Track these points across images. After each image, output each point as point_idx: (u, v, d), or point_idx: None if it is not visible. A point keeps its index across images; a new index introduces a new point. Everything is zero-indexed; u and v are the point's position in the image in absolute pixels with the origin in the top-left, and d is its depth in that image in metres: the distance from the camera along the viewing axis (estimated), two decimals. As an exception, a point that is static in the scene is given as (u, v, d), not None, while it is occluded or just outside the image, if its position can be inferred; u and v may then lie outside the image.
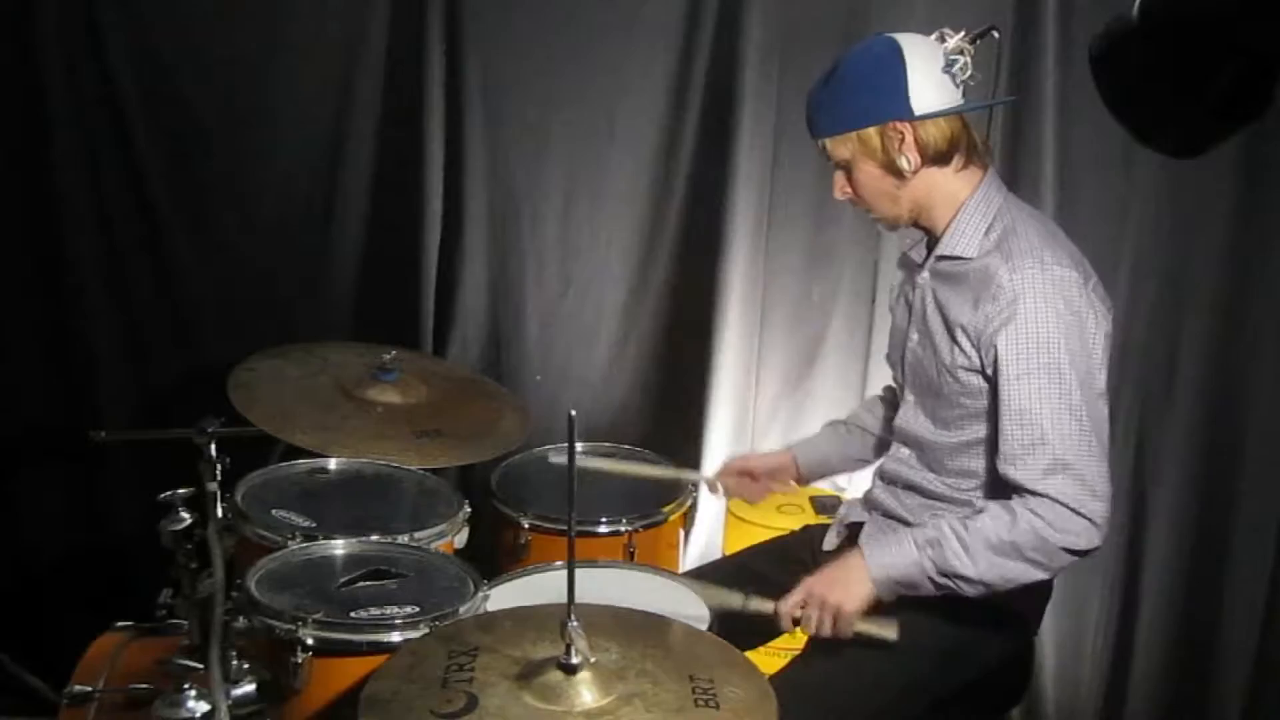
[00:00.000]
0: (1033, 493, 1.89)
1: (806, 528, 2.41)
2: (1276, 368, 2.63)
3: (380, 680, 1.62)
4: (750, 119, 2.86)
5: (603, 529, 2.43)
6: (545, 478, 2.61)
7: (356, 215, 3.03)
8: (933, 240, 2.08)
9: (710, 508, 3.01)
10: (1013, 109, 2.71)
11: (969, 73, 1.98)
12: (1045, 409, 1.89)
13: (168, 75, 2.96)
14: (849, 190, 2.07)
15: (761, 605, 2.01)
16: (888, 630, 1.94)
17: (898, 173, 2.00)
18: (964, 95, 2.00)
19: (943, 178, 2.02)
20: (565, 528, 1.57)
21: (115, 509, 3.12)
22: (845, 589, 1.95)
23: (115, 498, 3.12)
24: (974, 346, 1.96)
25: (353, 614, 1.89)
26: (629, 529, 2.43)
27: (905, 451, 2.15)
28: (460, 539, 2.31)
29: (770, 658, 2.32)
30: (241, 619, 1.89)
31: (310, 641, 1.83)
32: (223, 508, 2.05)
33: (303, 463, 2.42)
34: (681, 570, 2.54)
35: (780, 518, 2.79)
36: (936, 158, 2.00)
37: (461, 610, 1.92)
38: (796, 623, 1.99)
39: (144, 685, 2.03)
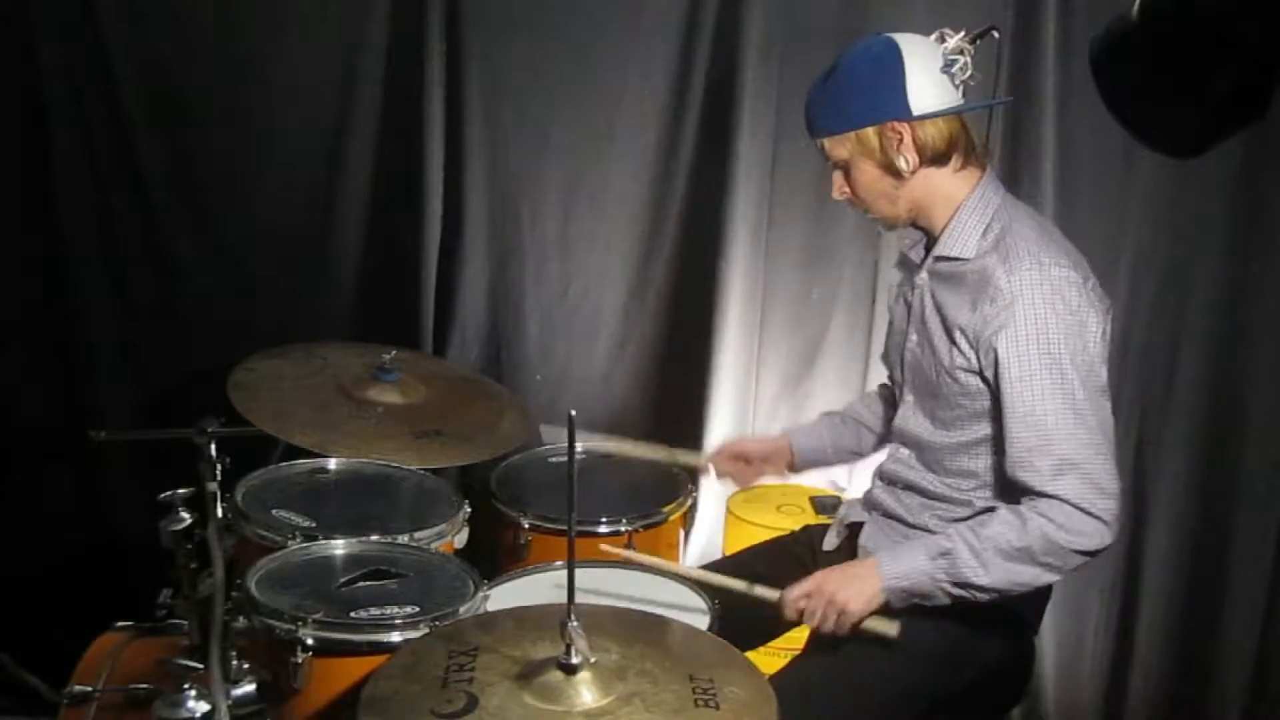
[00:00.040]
0: (1042, 494, 1.89)
1: (806, 528, 2.41)
2: (1276, 368, 2.63)
3: (380, 680, 1.62)
4: (750, 119, 2.86)
5: (603, 529, 2.42)
6: (545, 478, 2.61)
7: (356, 215, 3.03)
8: (931, 240, 2.08)
9: (710, 508, 3.01)
10: (1013, 109, 2.71)
11: (969, 73, 1.98)
12: (1050, 410, 1.89)
13: (168, 75, 2.96)
14: (847, 190, 2.07)
15: (766, 593, 2.02)
16: (889, 627, 1.95)
17: (896, 173, 2.00)
18: (963, 95, 2.00)
19: (941, 178, 2.02)
20: (565, 528, 1.57)
21: (115, 509, 3.13)
22: (853, 589, 1.96)
23: (115, 498, 3.12)
24: (972, 348, 1.96)
25: (353, 614, 1.90)
26: (629, 529, 2.43)
27: (905, 452, 2.15)
28: (460, 539, 2.31)
29: (770, 658, 2.32)
30: (241, 619, 1.90)
31: (310, 641, 1.83)
32: (223, 508, 2.04)
33: (303, 463, 2.43)
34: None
35: (780, 518, 2.79)
36: (935, 158, 2.00)
37: (461, 610, 1.92)
38: (799, 614, 1.99)
39: (144, 685, 2.03)
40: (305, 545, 2.13)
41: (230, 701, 1.79)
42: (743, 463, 2.45)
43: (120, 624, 2.24)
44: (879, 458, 2.25)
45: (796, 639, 2.27)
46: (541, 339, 3.07)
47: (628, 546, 2.41)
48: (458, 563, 2.12)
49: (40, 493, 3.14)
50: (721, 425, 3.01)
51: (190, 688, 1.90)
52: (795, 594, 1.99)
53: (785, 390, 3.05)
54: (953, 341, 1.99)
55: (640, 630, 1.76)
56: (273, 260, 3.06)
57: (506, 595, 2.09)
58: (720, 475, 2.52)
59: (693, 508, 2.65)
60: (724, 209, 2.91)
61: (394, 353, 2.53)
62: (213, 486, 2.01)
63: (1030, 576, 1.91)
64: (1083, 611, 2.90)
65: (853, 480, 2.98)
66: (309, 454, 2.40)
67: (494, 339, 3.08)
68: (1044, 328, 1.90)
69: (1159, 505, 2.78)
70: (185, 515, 1.93)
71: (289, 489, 2.36)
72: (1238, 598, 2.72)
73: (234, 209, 3.05)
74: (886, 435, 2.29)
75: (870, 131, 1.99)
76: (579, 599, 1.60)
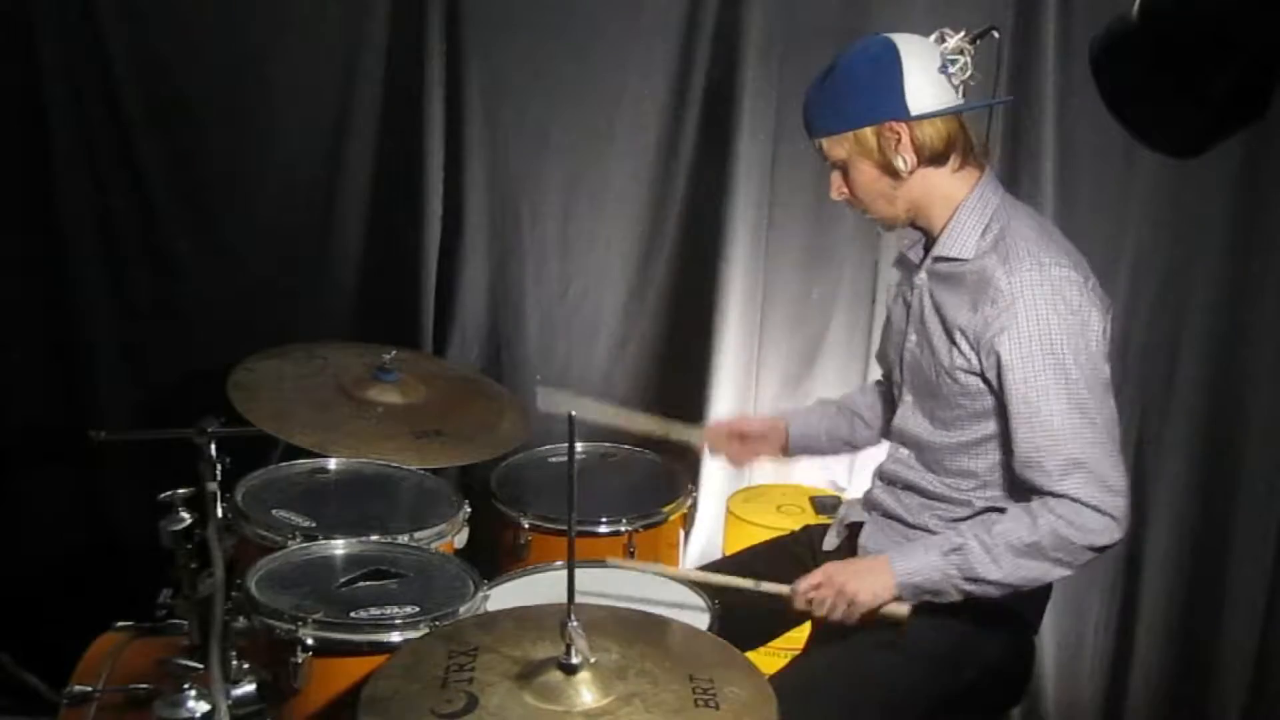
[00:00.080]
0: (1052, 494, 1.90)
1: (806, 528, 2.41)
2: (1276, 368, 2.63)
3: (380, 680, 1.62)
4: (750, 119, 2.86)
5: (603, 529, 2.43)
6: (545, 478, 2.61)
7: (356, 215, 3.03)
8: (930, 241, 2.08)
9: (710, 508, 3.01)
10: (1013, 109, 2.71)
11: (969, 73, 1.98)
12: (1055, 410, 1.90)
13: (168, 75, 2.96)
14: (845, 191, 2.07)
15: (775, 587, 2.02)
16: (900, 609, 1.96)
17: (894, 173, 2.00)
18: (963, 95, 2.00)
19: (939, 178, 2.02)
20: (565, 528, 1.57)
21: (115, 509, 3.12)
22: (864, 581, 1.97)
23: (115, 498, 3.12)
24: (973, 349, 1.97)
25: (353, 614, 1.89)
26: (629, 529, 2.43)
27: (904, 452, 2.15)
28: (460, 539, 2.31)
29: (770, 658, 2.32)
30: (241, 619, 1.90)
31: (310, 641, 1.83)
32: (223, 508, 2.05)
33: (303, 463, 2.43)
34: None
35: (780, 518, 2.79)
36: (933, 158, 2.00)
37: (461, 610, 1.92)
38: (809, 604, 1.99)
39: (144, 685, 2.03)
40: (305, 545, 2.13)
41: (230, 701, 1.79)
42: (737, 441, 2.44)
43: (120, 624, 2.25)
44: (878, 456, 2.25)
45: (796, 639, 2.27)
46: (541, 339, 3.07)
47: (628, 546, 2.41)
48: (458, 563, 2.12)
49: (40, 493, 3.14)
50: (722, 424, 3.01)
51: (190, 688, 1.90)
52: (805, 585, 2.00)
53: (785, 390, 3.05)
54: (953, 342, 1.99)
55: (640, 630, 1.76)
56: (273, 260, 3.05)
57: (506, 595, 2.09)
58: (714, 452, 2.50)
59: (693, 508, 2.64)
60: (724, 209, 2.91)
61: (394, 353, 2.53)
62: (213, 486, 2.02)
63: (1041, 572, 1.93)
64: (1083, 611, 2.90)
65: (853, 480, 2.98)
66: (309, 454, 2.39)
67: (494, 339, 3.08)
68: (1046, 328, 1.90)
69: (1159, 505, 2.78)
70: (185, 515, 1.94)
71: (289, 489, 2.37)
72: (1238, 598, 2.72)
73: (234, 209, 3.04)
74: (884, 430, 2.29)
75: (868, 131, 1.99)
76: (579, 599, 1.60)
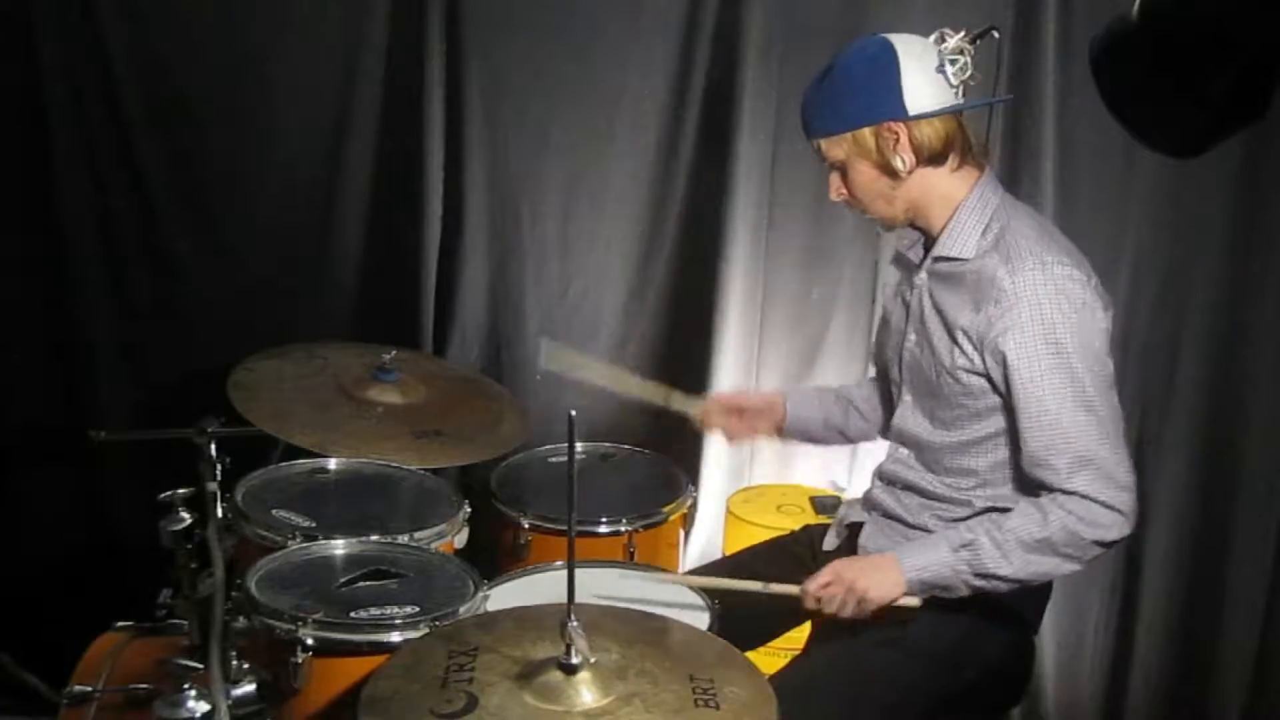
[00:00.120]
0: (1062, 491, 1.91)
1: (806, 528, 2.41)
2: (1276, 368, 2.63)
3: (380, 680, 1.62)
4: (750, 119, 2.86)
5: (603, 529, 2.43)
6: (545, 478, 2.61)
7: (356, 215, 3.03)
8: (929, 241, 2.08)
9: (710, 508, 3.01)
10: (1013, 109, 2.71)
11: (969, 72, 1.98)
12: (1064, 409, 1.90)
13: (168, 75, 2.96)
14: (844, 191, 2.07)
15: (784, 588, 2.02)
16: (911, 599, 1.96)
17: (893, 173, 2.00)
18: (962, 95, 2.00)
19: (938, 178, 2.02)
20: (565, 528, 1.57)
21: (115, 509, 3.12)
22: (874, 578, 1.97)
23: (115, 498, 3.12)
24: (976, 349, 1.97)
25: (353, 614, 1.89)
26: (629, 529, 2.43)
27: (903, 451, 2.15)
28: (460, 539, 2.31)
29: (770, 658, 2.32)
30: (241, 619, 1.90)
31: (310, 641, 1.83)
32: (223, 508, 2.05)
33: (303, 463, 2.43)
34: (681, 571, 2.54)
35: (780, 518, 2.80)
36: (932, 158, 2.00)
37: (461, 610, 1.92)
38: (818, 603, 1.99)
39: (144, 685, 2.03)
40: (305, 545, 2.13)
41: (230, 701, 1.79)
42: (735, 415, 2.44)
43: (120, 624, 2.25)
44: (878, 456, 2.25)
45: (796, 639, 2.27)
46: (541, 339, 3.07)
47: (628, 547, 2.41)
48: (458, 563, 2.12)
49: (40, 493, 3.14)
50: (722, 425, 3.01)
51: (190, 688, 1.90)
52: (815, 585, 2.00)
53: (785, 390, 3.05)
54: (955, 342, 1.99)
55: (640, 630, 1.76)
56: (273, 260, 3.05)
57: (506, 595, 2.09)
58: (712, 426, 2.49)
59: (693, 508, 2.64)
60: (724, 209, 2.91)
61: (394, 353, 2.53)
62: (213, 486, 2.02)
63: (1050, 567, 1.94)
64: (1083, 611, 2.90)
65: (852, 480, 2.99)
66: (309, 454, 2.39)
67: (494, 339, 3.08)
68: (1050, 327, 1.91)
69: (1159, 505, 2.77)
70: (185, 515, 1.94)
71: (289, 489, 2.37)
72: (1238, 598, 2.72)
73: (234, 209, 3.04)
74: (882, 428, 2.30)
75: (866, 132, 1.99)
76: (579, 599, 1.60)
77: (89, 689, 2.06)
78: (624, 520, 2.44)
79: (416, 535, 2.20)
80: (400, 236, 3.01)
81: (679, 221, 2.99)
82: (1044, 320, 1.91)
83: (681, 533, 2.61)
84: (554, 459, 2.68)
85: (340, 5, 2.94)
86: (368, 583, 2.02)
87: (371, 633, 1.86)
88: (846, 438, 2.44)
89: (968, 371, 1.99)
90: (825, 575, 2.00)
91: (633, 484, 2.64)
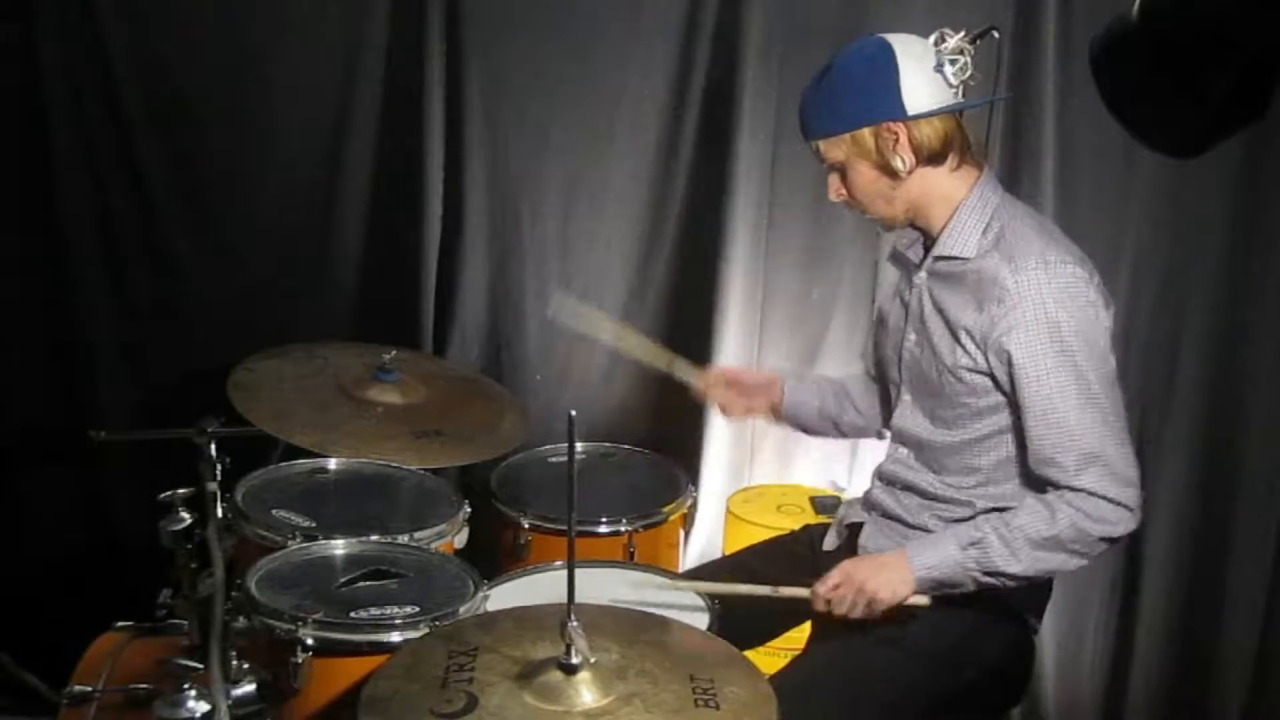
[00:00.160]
0: (1069, 488, 1.92)
1: (806, 528, 2.41)
2: (1276, 368, 2.63)
3: (380, 680, 1.62)
4: (750, 119, 2.86)
5: (603, 529, 2.43)
6: (545, 478, 2.61)
7: (356, 215, 3.03)
8: (929, 240, 2.08)
9: (710, 508, 3.01)
10: (1013, 108, 2.71)
11: (969, 72, 1.98)
12: (1070, 407, 1.91)
13: (168, 75, 2.96)
14: (844, 192, 2.07)
15: (794, 591, 2.02)
16: (920, 598, 1.96)
17: (892, 173, 2.00)
18: (961, 95, 2.00)
19: (938, 178, 2.02)
20: (565, 528, 1.57)
21: (115, 509, 3.12)
22: (883, 578, 1.97)
23: (115, 498, 3.12)
24: (979, 349, 1.97)
25: (353, 614, 1.90)
26: (629, 529, 2.43)
27: (903, 451, 2.15)
28: (460, 539, 2.31)
29: (770, 658, 2.32)
30: (241, 619, 1.90)
31: (310, 641, 1.83)
32: (223, 508, 2.05)
33: (303, 463, 2.43)
34: (681, 570, 2.54)
35: (780, 518, 2.79)
36: (931, 157, 2.00)
37: (461, 610, 1.92)
38: (829, 605, 1.99)
39: (144, 685, 2.03)
40: (305, 545, 2.13)
41: (230, 701, 1.79)
42: (735, 390, 2.43)
43: (120, 624, 2.25)
44: (878, 456, 2.25)
45: (796, 639, 2.27)
46: (541, 339, 3.07)
47: (628, 547, 2.41)
48: (458, 563, 2.12)
49: (40, 493, 3.14)
50: (721, 424, 3.01)
51: (190, 688, 1.90)
52: (824, 588, 1.99)
53: (785, 390, 3.05)
54: (957, 341, 1.99)
55: (640, 630, 1.76)
56: (273, 260, 3.05)
57: (506, 595, 2.09)
58: (710, 399, 2.48)
59: (693, 508, 2.64)
60: (724, 209, 2.91)
61: (394, 353, 2.53)
62: (213, 486, 2.02)
63: (1058, 563, 1.95)
64: (1083, 611, 2.90)
65: (852, 480, 2.98)
66: (309, 454, 2.40)
67: (494, 339, 3.08)
68: (1055, 325, 1.91)
69: (1159, 505, 2.77)
70: (185, 515, 1.94)
71: (289, 489, 2.37)
72: (1238, 598, 2.72)
73: (234, 209, 3.04)
74: (880, 424, 2.30)
75: (866, 132, 1.99)
76: (579, 599, 1.60)
77: (89, 689, 2.06)
78: (624, 520, 2.44)
79: (416, 535, 2.21)
80: (400, 236, 3.01)
81: (679, 221, 2.99)
82: (1048, 319, 1.91)
83: (681, 533, 2.62)
84: (554, 459, 2.68)
85: (340, 5, 2.94)
86: (368, 583, 2.02)
87: (371, 633, 1.86)
88: (840, 431, 2.44)
89: (970, 370, 1.99)
90: (835, 577, 2.00)
91: (633, 484, 2.64)
